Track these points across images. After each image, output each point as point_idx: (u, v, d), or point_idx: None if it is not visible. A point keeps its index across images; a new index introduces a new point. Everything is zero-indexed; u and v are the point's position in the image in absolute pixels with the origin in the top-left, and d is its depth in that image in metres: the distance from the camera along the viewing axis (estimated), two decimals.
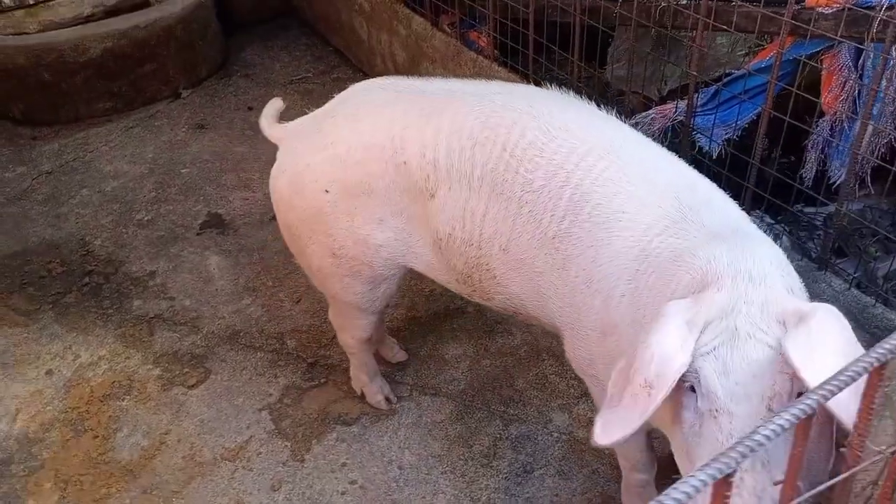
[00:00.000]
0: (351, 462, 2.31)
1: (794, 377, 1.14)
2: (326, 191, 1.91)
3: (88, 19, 4.30)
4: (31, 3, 4.21)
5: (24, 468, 2.37)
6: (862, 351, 1.05)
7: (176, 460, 2.36)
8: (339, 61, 4.46)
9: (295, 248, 2.15)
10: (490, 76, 3.05)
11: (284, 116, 4.00)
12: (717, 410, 1.19)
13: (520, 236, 1.69)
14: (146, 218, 3.38)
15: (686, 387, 1.24)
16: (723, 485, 0.63)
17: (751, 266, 1.29)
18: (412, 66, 3.62)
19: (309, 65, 4.47)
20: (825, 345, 1.13)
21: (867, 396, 0.74)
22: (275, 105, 2.28)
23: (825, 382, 0.69)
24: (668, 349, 1.19)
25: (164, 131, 3.97)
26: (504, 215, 1.70)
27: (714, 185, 1.62)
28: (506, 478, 2.24)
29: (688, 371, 1.19)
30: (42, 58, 3.87)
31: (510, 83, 1.99)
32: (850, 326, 1.24)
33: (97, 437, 2.45)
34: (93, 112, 4.07)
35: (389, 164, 1.82)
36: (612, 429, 1.24)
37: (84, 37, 3.90)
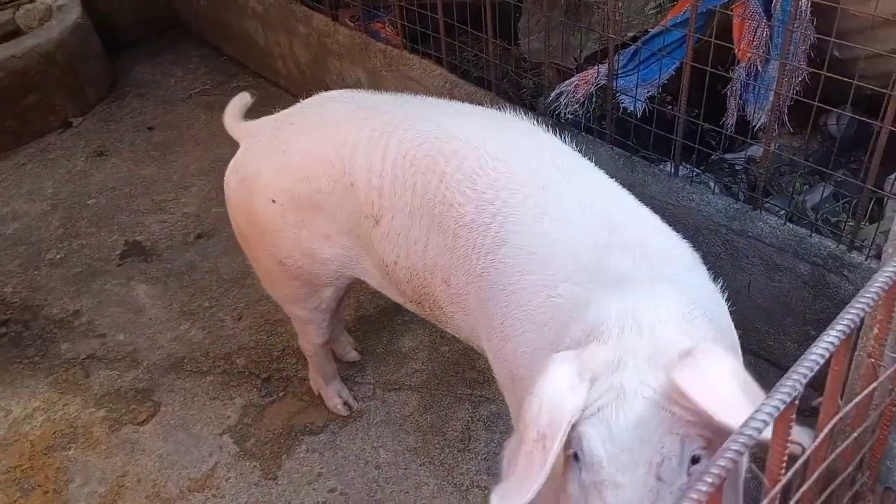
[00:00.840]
0: (326, 471, 2.26)
1: (685, 438, 1.03)
2: (274, 201, 1.85)
3: None
4: None
5: None
6: (751, 380, 1.04)
7: (140, 501, 2.24)
8: (237, 69, 4.32)
9: (244, 248, 2.07)
10: (402, 65, 3.03)
11: (188, 131, 3.88)
12: (601, 483, 1.04)
13: (456, 270, 1.61)
14: (58, 256, 3.17)
15: (570, 455, 1.11)
16: None
17: (644, 315, 1.15)
18: (317, 65, 3.55)
19: (205, 76, 4.31)
20: (718, 374, 1.02)
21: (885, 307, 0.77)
22: (242, 100, 2.18)
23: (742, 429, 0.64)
24: (557, 394, 1.06)
25: (61, 163, 3.73)
26: (442, 248, 1.62)
27: (655, 223, 1.50)
28: (485, 458, 2.24)
29: (571, 434, 1.06)
30: None
31: (469, 105, 1.92)
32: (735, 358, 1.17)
33: (47, 492, 2.29)
34: None
35: (338, 182, 1.75)
36: (510, 497, 1.07)
37: None
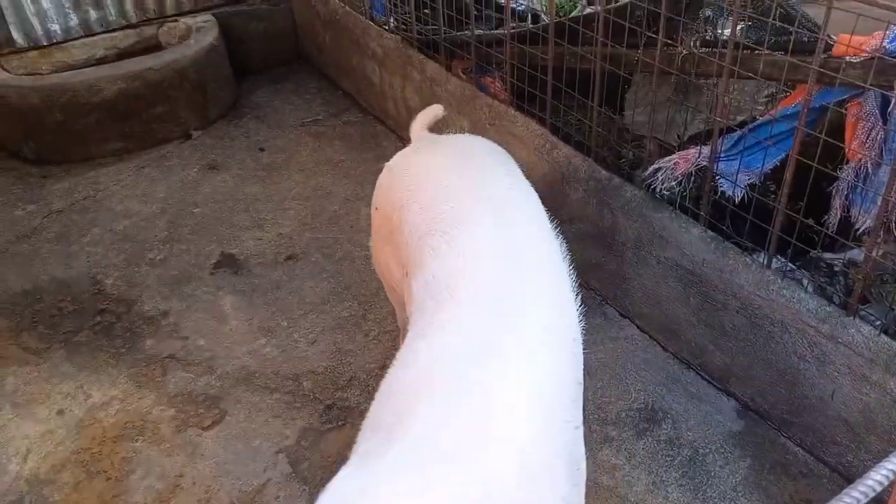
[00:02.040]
0: None
1: None
2: (377, 208, 2.03)
3: (101, 61, 4.37)
4: (45, 44, 4.26)
5: None
6: None
7: (191, 503, 2.31)
8: (349, 105, 4.52)
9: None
10: (506, 120, 3.09)
11: (295, 156, 4.06)
12: None
13: None
14: (158, 257, 3.36)
15: None
16: None
17: None
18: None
19: (319, 107, 4.52)
20: None
21: None
22: (434, 111, 2.37)
23: None
24: None
25: (176, 171, 3.98)
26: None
27: None
28: None
29: None
30: (56, 98, 3.89)
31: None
32: None
33: (110, 479, 2.39)
34: (104, 152, 4.08)
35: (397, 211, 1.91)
36: None
37: (99, 78, 3.93)
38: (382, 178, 2.10)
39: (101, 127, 4.01)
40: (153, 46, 4.48)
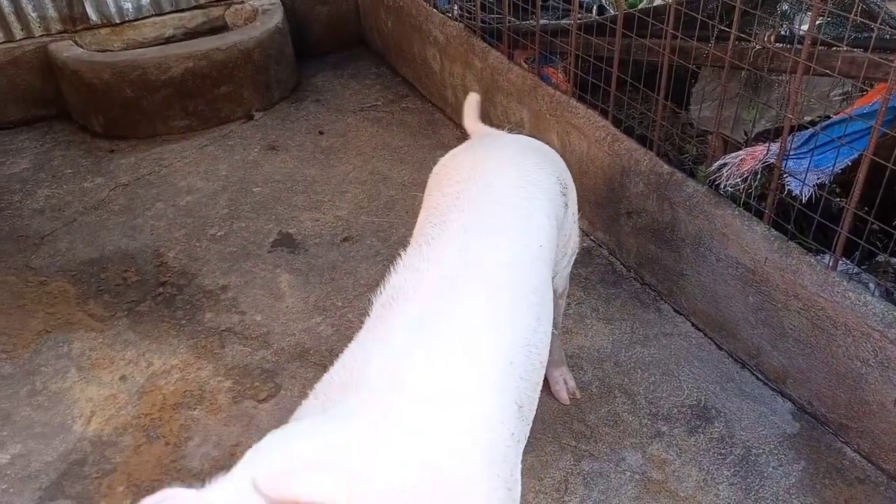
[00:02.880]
0: None
1: None
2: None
3: (169, 40, 4.48)
4: (118, 21, 4.38)
5: (97, 470, 2.40)
6: None
7: None
8: (408, 91, 4.55)
9: None
10: (567, 111, 3.08)
11: (353, 140, 4.11)
12: None
13: None
14: (219, 233, 3.45)
15: None
16: None
17: None
18: (485, 99, 3.68)
19: (378, 93, 4.56)
20: None
21: None
22: (475, 99, 2.37)
23: None
24: None
25: (237, 151, 4.07)
26: None
27: None
28: None
29: None
30: (126, 74, 4.01)
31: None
32: None
33: (169, 444, 2.48)
34: (169, 129, 4.19)
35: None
36: None
37: (168, 56, 4.04)
38: (434, 170, 2.10)
39: (167, 104, 4.12)
40: (219, 27, 4.58)
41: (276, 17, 4.41)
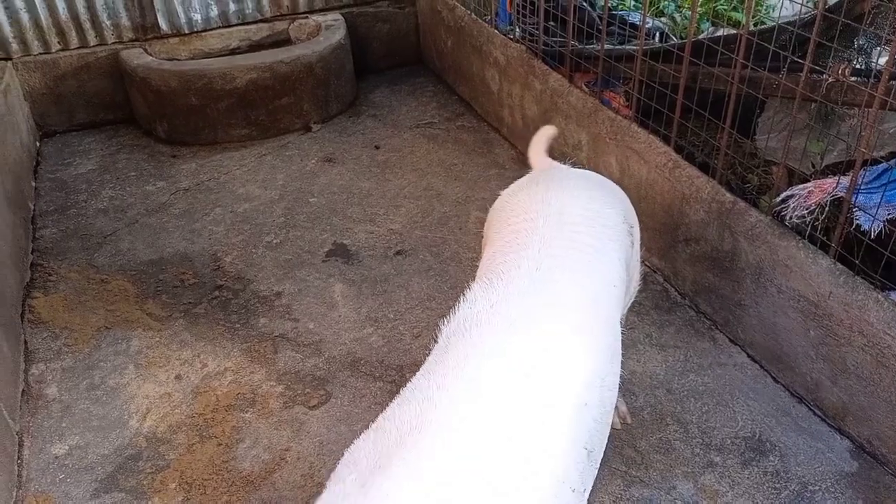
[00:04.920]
0: None
1: None
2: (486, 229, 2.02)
3: (234, 52, 4.61)
4: (187, 32, 4.52)
5: (151, 465, 2.45)
6: None
7: (295, 477, 2.40)
8: (463, 110, 4.60)
9: None
10: (627, 136, 3.09)
11: (409, 156, 4.16)
12: None
13: None
14: (275, 241, 3.52)
15: None
16: None
17: None
18: (543, 121, 3.69)
19: (435, 111, 4.62)
20: None
21: None
22: (547, 132, 2.40)
23: None
24: None
25: (295, 161, 4.15)
26: None
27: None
28: None
29: None
30: (192, 83, 4.13)
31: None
32: None
33: (221, 444, 2.52)
34: (230, 137, 4.30)
35: None
36: None
37: (233, 67, 4.15)
38: (495, 204, 2.11)
39: (230, 113, 4.23)
40: (283, 41, 4.69)
41: (339, 34, 4.51)
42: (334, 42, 4.41)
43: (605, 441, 1.58)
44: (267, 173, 4.06)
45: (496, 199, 2.14)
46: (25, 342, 2.94)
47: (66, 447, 2.52)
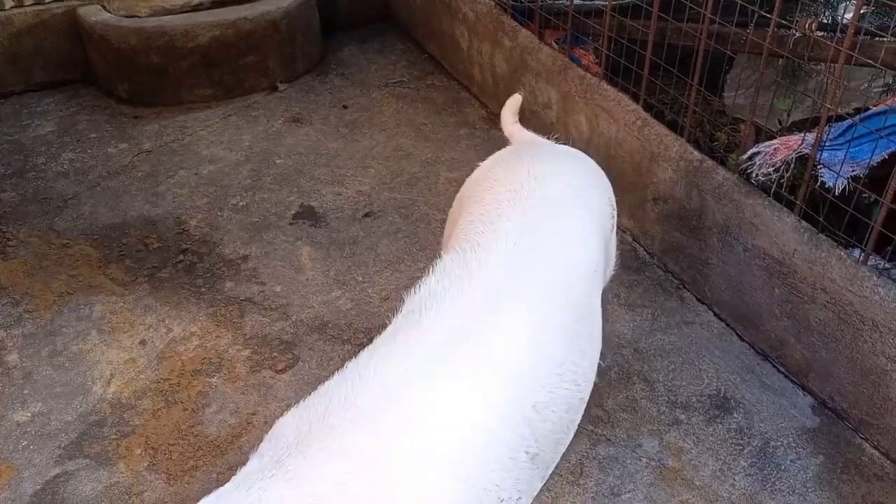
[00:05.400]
0: None
1: None
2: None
3: (196, 8, 4.43)
4: None
5: (115, 431, 2.42)
6: None
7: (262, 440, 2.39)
8: (433, 68, 4.51)
9: None
10: (596, 94, 3.05)
11: (377, 116, 4.08)
12: None
13: None
14: (241, 203, 3.45)
15: None
16: None
17: None
18: (513, 79, 3.64)
19: (404, 69, 4.53)
20: None
21: None
22: (516, 101, 2.31)
23: None
24: None
25: (261, 122, 4.06)
26: None
27: None
28: (593, 497, 2.20)
29: None
30: (153, 41, 4.00)
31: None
32: None
33: (186, 409, 2.49)
34: (193, 97, 4.19)
35: None
36: None
37: (195, 24, 4.02)
38: (474, 174, 2.00)
39: (193, 73, 4.11)
40: None
41: None
42: None
43: (565, 443, 1.49)
44: (232, 134, 3.97)
45: (475, 169, 2.03)
46: None
47: (29, 414, 2.48)
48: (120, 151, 3.85)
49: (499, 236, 1.56)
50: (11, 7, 4.14)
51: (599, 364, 2.57)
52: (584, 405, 1.55)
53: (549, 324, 1.46)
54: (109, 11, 4.17)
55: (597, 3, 3.00)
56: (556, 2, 3.21)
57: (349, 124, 4.02)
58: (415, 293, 1.48)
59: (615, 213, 1.98)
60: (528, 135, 2.21)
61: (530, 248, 1.55)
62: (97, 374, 2.62)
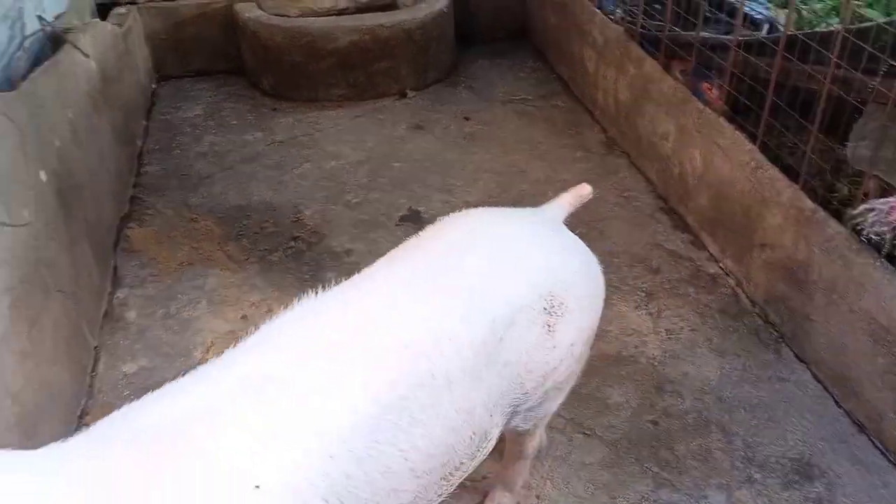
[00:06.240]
0: (490, 478, 2.33)
1: None
2: None
3: (342, 12, 4.70)
4: None
5: None
6: None
7: None
8: (560, 89, 4.53)
9: None
10: (713, 130, 2.96)
11: (497, 130, 4.14)
12: None
13: None
14: (354, 200, 3.62)
15: None
16: None
17: None
18: (634, 106, 3.60)
19: (531, 88, 4.58)
20: None
21: None
22: (580, 192, 1.95)
23: None
24: None
25: (386, 126, 4.23)
26: None
27: None
28: None
29: None
30: (297, 40, 4.28)
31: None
32: None
33: None
34: (328, 96, 4.43)
35: None
36: None
37: (336, 27, 4.26)
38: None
39: (330, 73, 4.36)
40: (388, 5, 4.74)
41: (442, 2, 4.52)
42: (436, 10, 4.44)
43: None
44: (358, 134, 4.16)
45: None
46: (115, 268, 3.18)
47: (136, 367, 2.73)
48: (255, 139, 4.14)
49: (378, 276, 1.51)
50: None
51: (677, 406, 2.52)
52: (418, 479, 1.35)
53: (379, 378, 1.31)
54: (262, 9, 4.49)
55: (724, 37, 2.92)
56: (685, 32, 3.15)
57: (468, 136, 4.11)
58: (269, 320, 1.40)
59: (562, 311, 1.57)
60: (560, 210, 1.92)
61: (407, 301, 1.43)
62: (199, 340, 2.84)
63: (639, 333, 2.81)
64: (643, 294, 2.98)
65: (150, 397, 1.24)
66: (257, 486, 1.11)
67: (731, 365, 2.68)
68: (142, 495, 1.05)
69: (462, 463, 1.46)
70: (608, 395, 2.59)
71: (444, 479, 1.42)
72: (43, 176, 2.52)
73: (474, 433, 1.45)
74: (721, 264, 3.06)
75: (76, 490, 1.03)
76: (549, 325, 1.54)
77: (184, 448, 1.12)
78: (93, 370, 2.69)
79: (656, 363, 2.66)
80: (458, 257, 1.54)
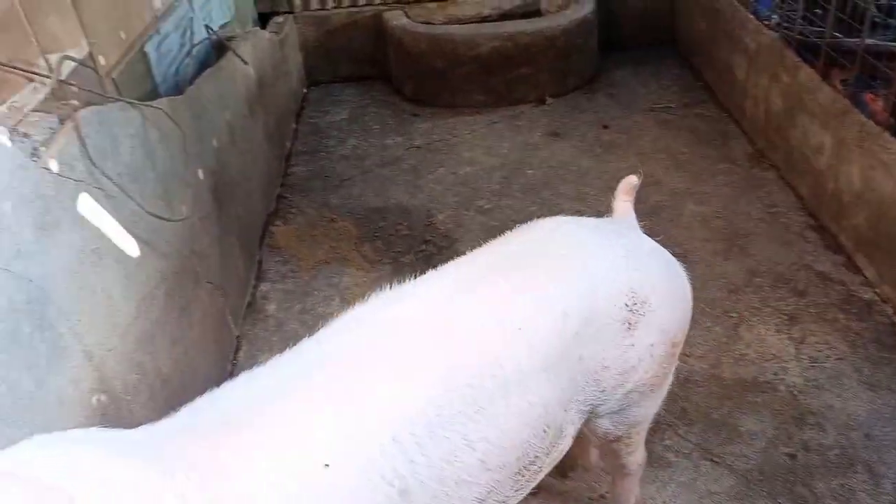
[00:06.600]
0: (607, 498, 2.27)
1: None
2: None
3: (484, 19, 4.77)
4: None
5: None
6: None
7: None
8: (705, 97, 4.34)
9: None
10: (875, 145, 2.73)
11: (636, 139, 4.04)
12: None
13: None
14: (486, 206, 3.65)
15: None
16: None
17: None
18: (786, 117, 3.38)
19: (674, 95, 4.42)
20: None
21: None
22: (630, 182, 1.97)
23: None
24: None
25: (523, 132, 4.24)
26: None
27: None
28: None
29: None
30: (440, 47, 4.37)
31: None
32: None
33: None
34: (467, 102, 4.50)
35: None
36: None
37: (478, 34, 4.32)
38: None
39: (469, 79, 4.42)
40: (533, 12, 4.76)
41: (587, 8, 4.46)
42: (580, 17, 4.39)
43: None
44: (494, 141, 4.19)
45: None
46: (260, 262, 3.39)
47: (272, 357, 2.89)
48: (395, 144, 4.28)
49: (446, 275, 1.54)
50: (332, 7, 4.79)
51: (820, 440, 2.34)
52: (490, 472, 1.36)
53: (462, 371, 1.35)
54: (409, 17, 4.63)
55: (893, 45, 2.68)
56: (848, 39, 2.92)
57: (605, 144, 4.03)
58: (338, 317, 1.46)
59: (644, 309, 1.55)
60: (631, 215, 1.92)
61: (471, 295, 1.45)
62: None
63: (779, 359, 2.64)
64: (786, 317, 2.80)
65: (229, 383, 1.33)
66: (327, 465, 1.17)
67: (884, 400, 2.46)
68: (215, 474, 1.11)
69: (537, 457, 1.46)
70: (741, 423, 2.45)
71: (519, 473, 1.44)
72: (201, 174, 2.73)
73: (548, 427, 1.45)
74: (877, 290, 2.81)
75: (167, 474, 1.09)
76: (629, 323, 1.53)
77: (258, 428, 1.19)
78: (234, 358, 2.88)
79: (797, 392, 2.49)
80: (534, 254, 1.59)
